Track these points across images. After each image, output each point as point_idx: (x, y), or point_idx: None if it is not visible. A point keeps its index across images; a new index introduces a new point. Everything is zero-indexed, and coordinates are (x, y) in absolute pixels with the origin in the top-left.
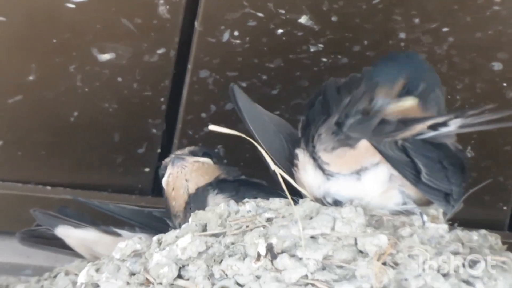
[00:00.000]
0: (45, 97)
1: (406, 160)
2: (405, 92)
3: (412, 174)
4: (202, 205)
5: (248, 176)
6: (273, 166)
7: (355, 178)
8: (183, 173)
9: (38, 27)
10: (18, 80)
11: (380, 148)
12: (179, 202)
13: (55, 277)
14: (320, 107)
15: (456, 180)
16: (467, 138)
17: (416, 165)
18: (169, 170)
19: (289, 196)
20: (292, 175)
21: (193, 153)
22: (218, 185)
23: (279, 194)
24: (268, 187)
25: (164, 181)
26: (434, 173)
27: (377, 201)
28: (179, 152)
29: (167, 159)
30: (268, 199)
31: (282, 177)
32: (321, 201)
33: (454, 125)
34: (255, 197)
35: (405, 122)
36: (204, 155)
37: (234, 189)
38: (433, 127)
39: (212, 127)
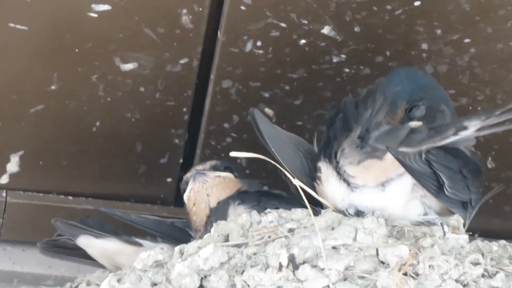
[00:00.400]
0: (67, 107)
1: (429, 171)
2: (408, 115)
3: (434, 186)
4: (223, 217)
5: (270, 186)
6: (294, 180)
7: (379, 190)
8: (204, 188)
9: (60, 37)
10: (40, 90)
11: (403, 160)
12: (201, 217)
13: (76, 287)
14: (340, 124)
15: (475, 188)
16: (488, 149)
17: (439, 177)
18: (190, 185)
19: (309, 207)
20: (313, 189)
21: (214, 168)
22: (239, 196)
23: (300, 204)
24: (289, 198)
25: (185, 196)
26: (456, 184)
27: (400, 212)
28: (200, 167)
29: (188, 174)
30: (289, 209)
31: (303, 190)
32: (343, 212)
33: (472, 128)
34: (277, 208)
35: (436, 128)
36: (226, 169)
37: (255, 200)
38: (455, 132)
39: (233, 154)
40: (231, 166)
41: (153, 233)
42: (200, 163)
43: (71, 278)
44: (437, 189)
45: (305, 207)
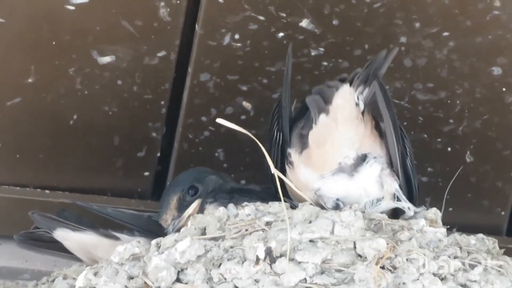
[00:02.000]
0: (44, 100)
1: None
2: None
3: None
4: None
5: (248, 180)
6: (273, 169)
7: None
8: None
9: (37, 29)
10: (17, 82)
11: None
12: None
13: (53, 281)
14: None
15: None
16: (467, 143)
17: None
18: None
19: (282, 198)
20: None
21: (180, 209)
22: (211, 194)
23: (274, 199)
24: (262, 192)
25: None
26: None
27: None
28: (169, 216)
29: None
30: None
31: (281, 181)
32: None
33: None
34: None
35: None
36: (190, 190)
37: (227, 196)
38: None
39: (219, 120)
40: (194, 185)
41: (130, 227)
42: (165, 212)
43: (48, 272)
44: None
45: (280, 200)
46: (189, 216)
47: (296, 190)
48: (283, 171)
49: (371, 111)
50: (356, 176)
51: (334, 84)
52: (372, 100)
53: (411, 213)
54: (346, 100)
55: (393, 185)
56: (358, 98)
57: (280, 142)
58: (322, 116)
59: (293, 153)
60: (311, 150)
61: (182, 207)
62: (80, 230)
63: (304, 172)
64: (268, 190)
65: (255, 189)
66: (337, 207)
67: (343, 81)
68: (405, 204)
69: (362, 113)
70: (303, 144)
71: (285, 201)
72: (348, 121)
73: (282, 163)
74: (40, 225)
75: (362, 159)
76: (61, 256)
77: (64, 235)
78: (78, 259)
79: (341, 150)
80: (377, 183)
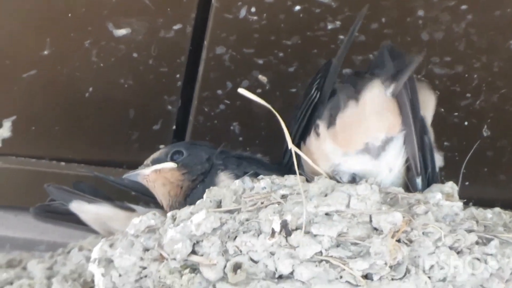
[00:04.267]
0: (59, 72)
1: None
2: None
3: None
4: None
5: (263, 153)
6: (290, 145)
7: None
8: (149, 184)
9: (53, 1)
10: (33, 55)
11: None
12: (164, 205)
13: (68, 252)
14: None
15: None
16: (484, 117)
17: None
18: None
19: (298, 173)
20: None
21: (156, 161)
22: (221, 161)
23: (280, 169)
24: (268, 163)
25: None
26: None
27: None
28: (145, 161)
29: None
30: (268, 175)
31: (297, 156)
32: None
33: None
34: (255, 173)
35: None
36: (174, 155)
37: (235, 163)
38: None
39: (241, 90)
40: (180, 149)
41: (146, 199)
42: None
43: (64, 243)
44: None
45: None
46: (155, 171)
47: (312, 165)
48: (306, 134)
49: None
50: (382, 156)
51: (366, 77)
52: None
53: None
54: (376, 95)
55: (417, 168)
56: (387, 93)
57: (315, 100)
58: (352, 103)
59: (321, 125)
60: (337, 130)
61: (157, 162)
62: (95, 202)
63: (329, 146)
64: (277, 162)
65: (262, 159)
66: (353, 181)
67: (373, 74)
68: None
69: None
70: (331, 122)
71: (300, 174)
72: (378, 114)
73: (307, 127)
74: (56, 197)
75: (390, 141)
76: (77, 228)
77: (80, 207)
78: (94, 231)
79: (367, 134)
80: (402, 165)
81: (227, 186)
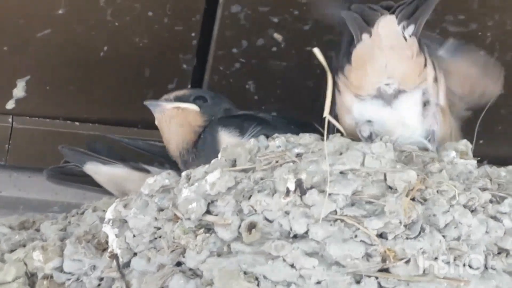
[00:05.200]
0: (74, 31)
1: None
2: None
3: None
4: (212, 146)
5: (278, 112)
6: (326, 113)
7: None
8: (164, 120)
9: None
10: (47, 14)
11: None
12: (171, 147)
13: (82, 213)
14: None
15: None
16: None
17: None
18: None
19: (325, 133)
20: None
21: (179, 99)
22: (221, 121)
23: (284, 127)
24: (272, 121)
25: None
26: None
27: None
28: (166, 96)
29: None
30: (273, 133)
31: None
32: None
33: None
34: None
35: None
36: (196, 99)
37: (237, 125)
38: None
39: (315, 50)
40: (205, 95)
41: (161, 160)
42: (173, 92)
43: (77, 204)
44: None
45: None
46: (177, 107)
47: (341, 129)
48: None
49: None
50: (395, 105)
51: (377, 9)
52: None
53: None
54: (391, 30)
55: (432, 125)
56: (403, 31)
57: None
58: (365, 36)
59: (339, 73)
60: (351, 68)
61: (180, 100)
62: (110, 163)
63: (345, 94)
64: (282, 120)
65: (266, 117)
66: (371, 136)
67: (386, 9)
68: (430, 146)
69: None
70: (347, 61)
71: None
72: (393, 50)
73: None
74: (70, 159)
75: (403, 91)
76: (91, 189)
77: (94, 169)
78: (108, 193)
79: (382, 75)
80: (417, 118)
81: (241, 145)
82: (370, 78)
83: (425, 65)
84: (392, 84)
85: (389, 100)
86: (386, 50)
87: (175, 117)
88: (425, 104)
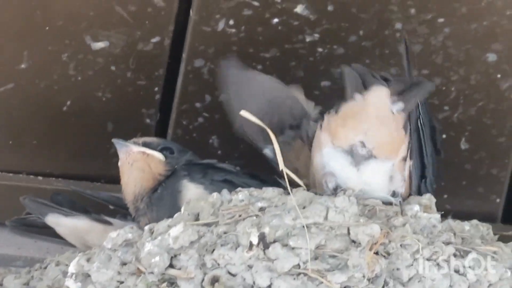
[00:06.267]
0: (37, 85)
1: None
2: None
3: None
4: (173, 191)
5: (242, 167)
6: (281, 166)
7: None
8: (127, 161)
9: (30, 14)
10: (10, 68)
11: None
12: (127, 190)
13: (45, 268)
14: None
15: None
16: (462, 130)
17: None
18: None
19: (290, 189)
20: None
21: (147, 145)
22: (185, 168)
23: (250, 179)
24: (237, 172)
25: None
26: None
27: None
28: (135, 139)
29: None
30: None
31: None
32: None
33: None
34: (224, 180)
35: None
36: (163, 150)
37: (201, 172)
38: None
39: (244, 113)
40: (172, 147)
41: (123, 211)
42: (142, 137)
43: (41, 259)
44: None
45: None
46: (143, 152)
47: (299, 182)
48: None
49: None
50: (362, 168)
51: (376, 76)
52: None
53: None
54: (381, 101)
55: (397, 188)
56: (392, 105)
57: None
58: (358, 97)
59: (329, 113)
60: (336, 117)
61: (147, 146)
62: (72, 215)
63: (323, 134)
64: (246, 172)
65: (230, 168)
66: (335, 189)
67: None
68: (394, 200)
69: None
70: (336, 110)
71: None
72: (377, 119)
73: None
74: (32, 210)
75: (375, 157)
76: (55, 242)
77: (56, 221)
78: (71, 245)
79: (359, 136)
80: (382, 184)
81: (205, 199)
82: (348, 133)
83: (403, 143)
84: (366, 148)
85: (358, 161)
86: (372, 116)
87: (138, 161)
88: (391, 176)
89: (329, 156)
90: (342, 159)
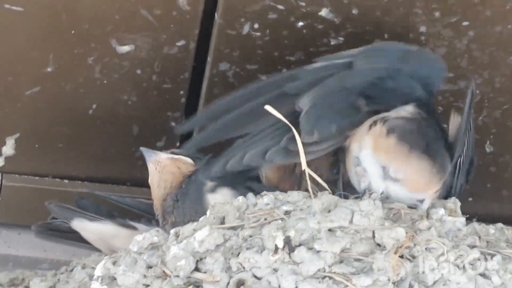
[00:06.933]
0: (63, 89)
1: None
2: None
3: None
4: (197, 200)
5: None
6: (304, 166)
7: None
8: (158, 170)
9: (56, 18)
10: (36, 72)
11: None
12: (157, 196)
13: (71, 270)
14: None
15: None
16: (486, 133)
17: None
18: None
19: (310, 190)
20: None
21: (174, 153)
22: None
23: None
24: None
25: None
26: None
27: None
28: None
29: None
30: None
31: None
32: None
33: None
34: (249, 187)
35: None
36: (195, 158)
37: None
38: None
39: (267, 107)
40: (200, 157)
41: (148, 216)
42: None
43: (67, 261)
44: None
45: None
46: (171, 158)
47: (320, 181)
48: None
49: None
50: (389, 186)
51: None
52: None
53: None
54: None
55: None
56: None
57: None
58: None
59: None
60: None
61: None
62: (97, 220)
63: (367, 138)
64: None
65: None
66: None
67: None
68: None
69: None
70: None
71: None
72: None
73: None
74: (57, 215)
75: (399, 184)
76: (80, 246)
77: (82, 225)
78: (97, 249)
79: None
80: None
81: (230, 202)
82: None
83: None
84: (395, 175)
85: (386, 178)
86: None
87: (168, 166)
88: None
89: (365, 158)
90: (375, 167)
